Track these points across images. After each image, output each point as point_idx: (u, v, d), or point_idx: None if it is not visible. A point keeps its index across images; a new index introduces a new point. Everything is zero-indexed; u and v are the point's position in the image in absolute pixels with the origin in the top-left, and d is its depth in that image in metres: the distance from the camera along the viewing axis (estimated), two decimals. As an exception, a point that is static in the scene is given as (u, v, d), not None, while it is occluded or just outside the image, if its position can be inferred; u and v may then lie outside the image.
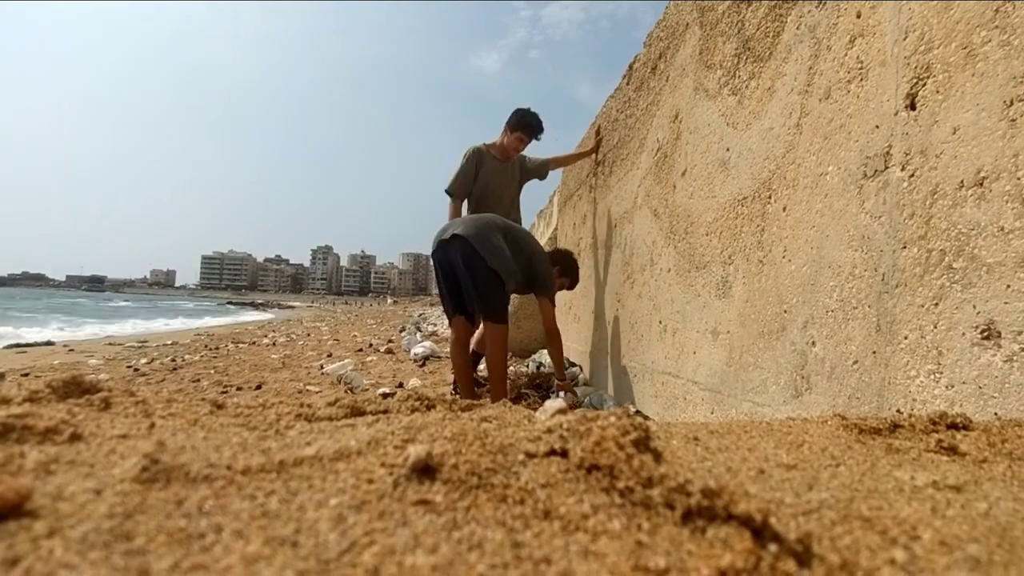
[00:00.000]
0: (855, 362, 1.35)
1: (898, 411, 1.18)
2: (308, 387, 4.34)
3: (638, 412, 2.78)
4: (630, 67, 3.78)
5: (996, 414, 0.96)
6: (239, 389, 4.41)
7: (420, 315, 19.23)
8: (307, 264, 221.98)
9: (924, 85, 1.18)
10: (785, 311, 1.67)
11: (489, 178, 4.09)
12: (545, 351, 5.17)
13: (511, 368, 5.16)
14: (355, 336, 10.57)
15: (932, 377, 1.12)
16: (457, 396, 3.59)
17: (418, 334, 9.61)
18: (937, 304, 1.11)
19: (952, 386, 1.07)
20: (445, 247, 3.32)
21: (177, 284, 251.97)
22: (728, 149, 2.14)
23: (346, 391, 4.21)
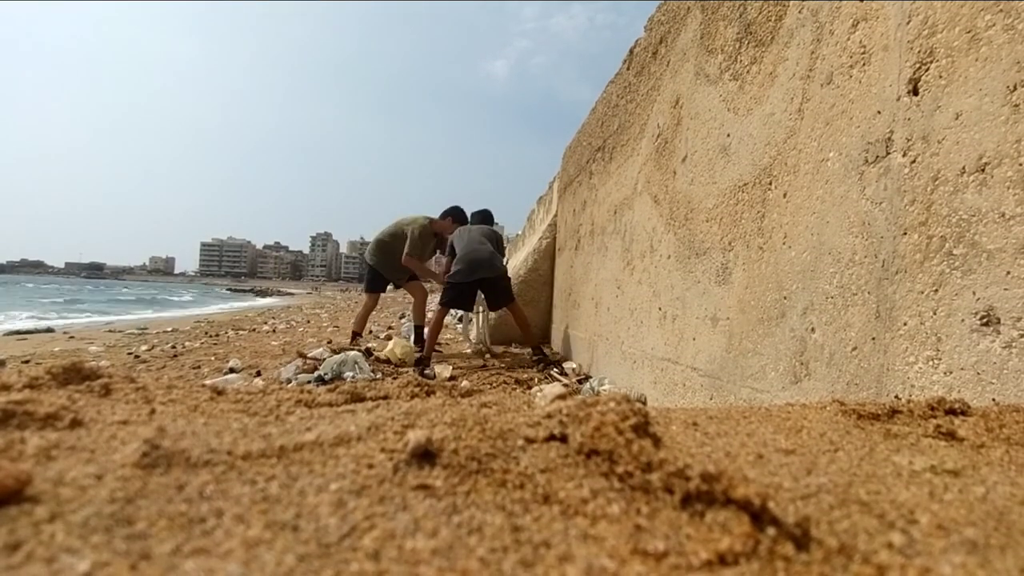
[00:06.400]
0: (854, 348, 1.35)
1: (896, 397, 1.19)
2: (308, 374, 4.35)
3: (637, 398, 2.79)
4: (631, 52, 3.75)
5: (994, 400, 0.96)
6: (234, 370, 4.42)
7: (420, 302, 19.21)
8: (306, 251, 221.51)
9: (927, 70, 1.17)
10: (785, 297, 1.67)
11: None
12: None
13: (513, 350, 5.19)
14: (355, 323, 10.56)
15: (931, 363, 1.12)
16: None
17: (418, 321, 9.62)
18: (937, 290, 1.11)
19: (951, 372, 1.07)
20: None
21: (176, 271, 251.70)
22: (729, 135, 2.13)
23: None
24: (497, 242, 5.56)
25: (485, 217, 5.96)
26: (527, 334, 5.22)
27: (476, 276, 5.10)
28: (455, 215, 6.02)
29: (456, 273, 5.15)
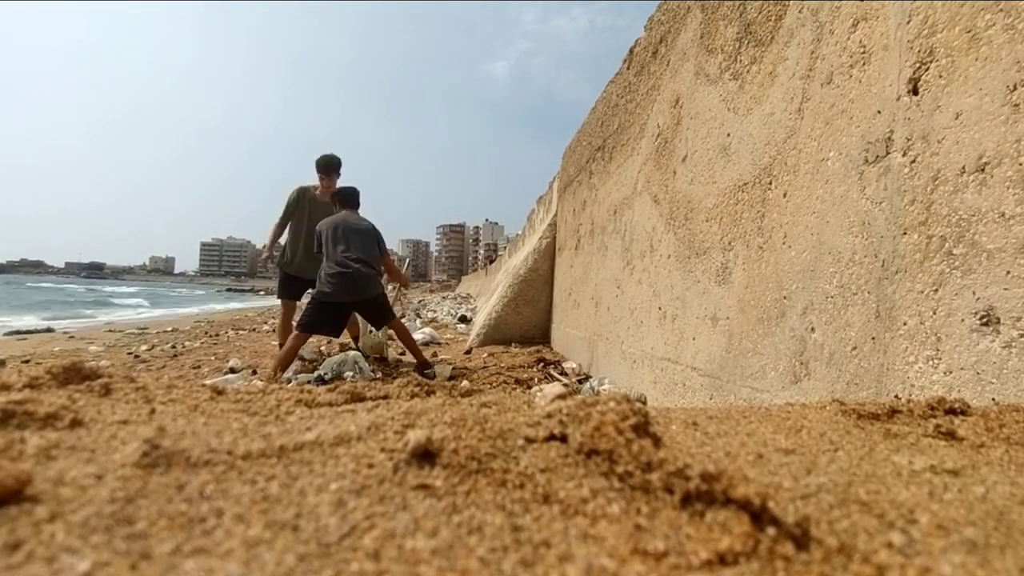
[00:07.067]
0: (854, 348, 1.35)
1: (896, 396, 1.19)
2: (308, 373, 4.34)
3: (637, 398, 2.79)
4: (631, 51, 3.75)
5: (994, 399, 0.96)
6: (234, 370, 4.42)
7: (420, 301, 19.22)
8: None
9: (927, 70, 1.17)
10: (785, 297, 1.67)
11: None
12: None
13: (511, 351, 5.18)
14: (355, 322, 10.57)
15: (931, 363, 1.12)
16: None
17: (418, 320, 9.63)
18: (937, 290, 1.11)
19: (950, 372, 1.07)
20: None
21: (176, 271, 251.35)
22: (729, 135, 2.13)
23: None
24: (376, 239, 4.46)
25: (349, 199, 4.59)
26: (413, 351, 4.56)
27: (348, 298, 4.21)
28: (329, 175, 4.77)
29: (321, 290, 4.19)
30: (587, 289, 4.69)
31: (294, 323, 4.47)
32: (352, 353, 4.20)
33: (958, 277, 1.06)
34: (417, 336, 6.86)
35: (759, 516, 0.42)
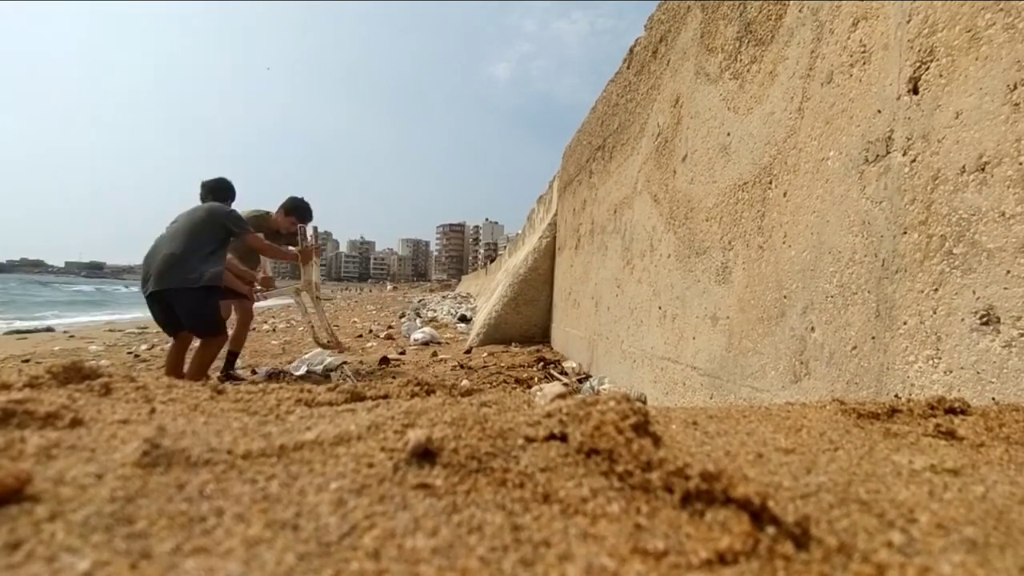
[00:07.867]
0: (854, 347, 1.35)
1: (896, 396, 1.19)
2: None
3: (637, 397, 2.79)
4: (631, 51, 3.75)
5: (994, 399, 0.96)
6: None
7: (420, 301, 19.23)
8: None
9: (927, 69, 1.17)
10: (785, 297, 1.67)
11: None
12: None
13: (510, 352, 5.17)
14: (355, 322, 10.59)
15: (931, 362, 1.12)
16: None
17: (418, 320, 9.63)
18: (937, 290, 1.11)
19: (950, 371, 1.07)
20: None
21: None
22: (729, 134, 2.13)
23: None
24: (218, 224, 3.72)
25: (212, 188, 4.09)
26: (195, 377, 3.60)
27: (149, 288, 3.56)
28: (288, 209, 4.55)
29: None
30: (587, 288, 4.69)
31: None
32: (338, 359, 4.23)
33: (958, 276, 1.06)
34: (417, 335, 6.86)
35: (759, 515, 0.42)
